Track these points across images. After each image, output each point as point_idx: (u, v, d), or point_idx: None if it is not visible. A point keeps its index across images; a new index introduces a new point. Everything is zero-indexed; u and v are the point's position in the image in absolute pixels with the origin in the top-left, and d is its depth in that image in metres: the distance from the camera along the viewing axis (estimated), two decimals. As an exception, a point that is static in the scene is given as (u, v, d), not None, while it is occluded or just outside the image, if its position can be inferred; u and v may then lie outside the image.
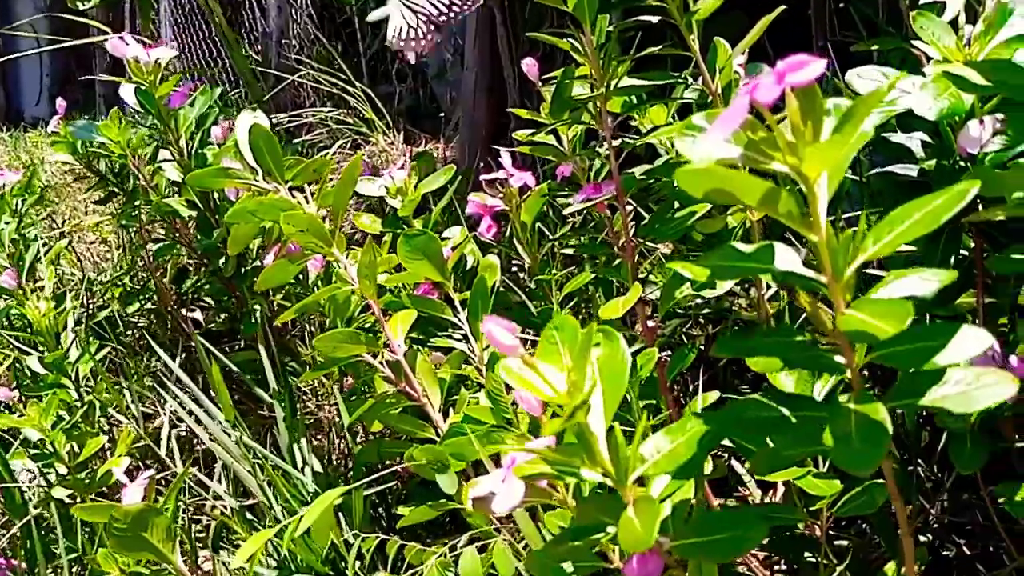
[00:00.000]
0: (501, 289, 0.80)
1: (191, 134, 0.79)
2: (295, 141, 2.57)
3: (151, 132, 0.80)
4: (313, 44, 3.14)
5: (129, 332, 1.37)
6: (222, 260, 0.84)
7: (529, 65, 0.69)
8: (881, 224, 0.25)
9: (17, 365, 0.76)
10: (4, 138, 4.60)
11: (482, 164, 2.14)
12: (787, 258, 0.26)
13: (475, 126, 2.24)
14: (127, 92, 0.73)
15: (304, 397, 1.04)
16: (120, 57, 0.77)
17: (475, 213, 0.76)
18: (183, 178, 0.80)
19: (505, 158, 0.78)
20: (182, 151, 0.80)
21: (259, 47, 4.17)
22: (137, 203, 0.86)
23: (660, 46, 0.53)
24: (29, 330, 0.77)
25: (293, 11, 3.69)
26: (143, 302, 1.26)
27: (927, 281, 0.26)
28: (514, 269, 0.97)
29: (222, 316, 1.23)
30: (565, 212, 0.58)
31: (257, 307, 0.90)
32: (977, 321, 0.51)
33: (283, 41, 3.70)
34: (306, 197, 0.70)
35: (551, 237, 0.80)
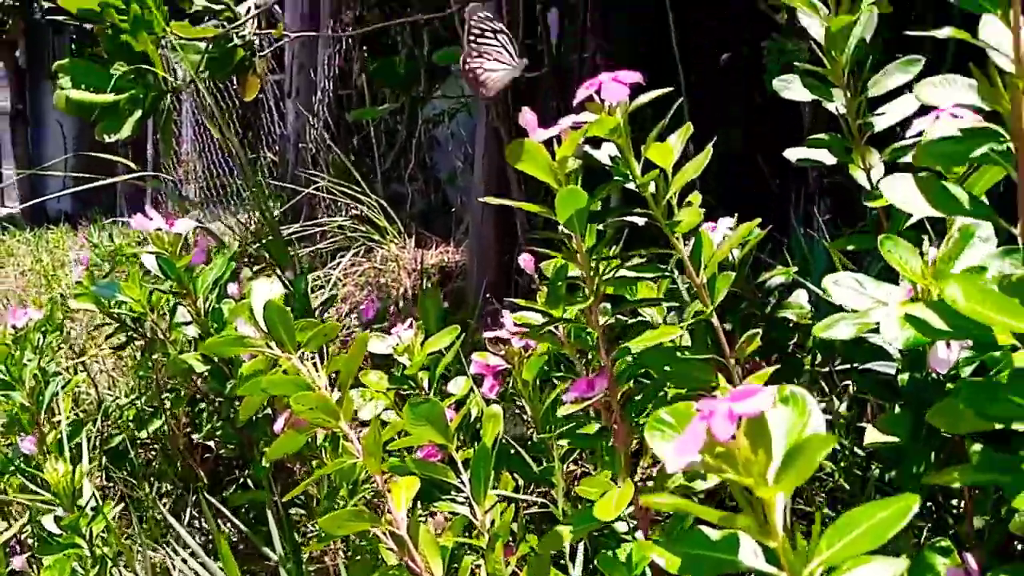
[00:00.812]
0: (503, 441, 0.82)
1: (208, 293, 0.83)
2: (309, 249, 2.63)
3: (170, 290, 0.84)
4: (329, 150, 3.24)
5: (142, 452, 1.39)
6: (233, 410, 0.88)
7: (526, 261, 0.72)
8: (831, 531, 0.27)
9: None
10: (28, 237, 4.72)
11: (492, 282, 2.18)
12: (749, 551, 0.28)
13: (483, 238, 2.29)
14: (148, 260, 0.78)
15: (309, 536, 1.05)
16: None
17: (478, 373, 0.79)
18: (199, 334, 0.84)
19: (507, 318, 0.81)
20: (199, 311, 0.84)
21: (277, 148, 4.32)
22: (155, 355, 0.91)
23: (647, 248, 0.56)
24: (45, 486, 0.79)
25: (310, 116, 3.82)
26: (157, 426, 1.29)
27: (884, 571, 0.28)
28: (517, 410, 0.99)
29: (233, 444, 1.25)
30: (560, 412, 0.60)
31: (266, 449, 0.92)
32: None
33: (300, 144, 3.83)
34: (315, 364, 0.73)
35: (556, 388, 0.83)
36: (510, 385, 0.81)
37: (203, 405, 0.97)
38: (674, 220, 0.53)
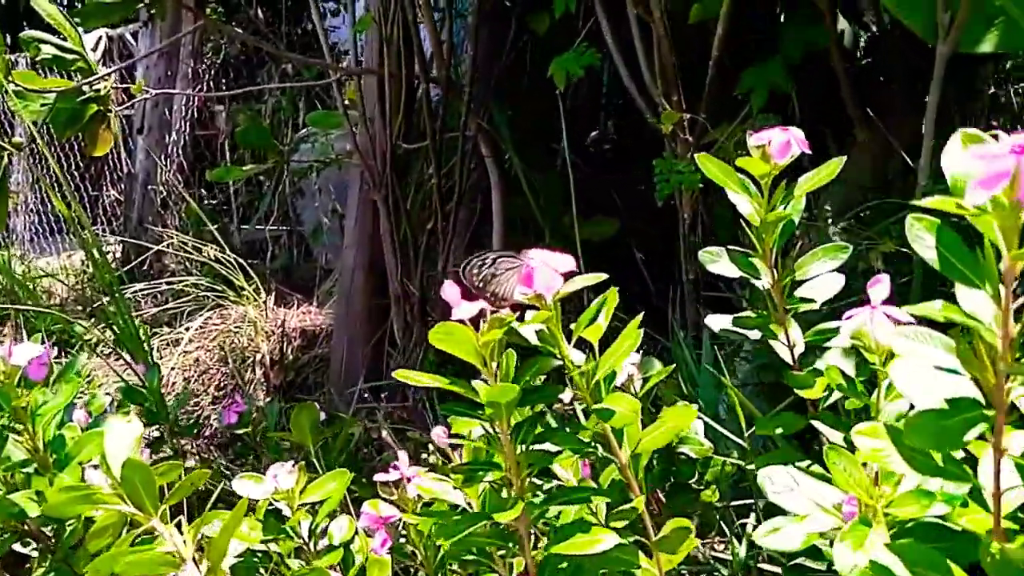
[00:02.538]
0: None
1: (48, 424, 0.72)
2: (156, 310, 2.44)
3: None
4: (181, 200, 3.04)
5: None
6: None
7: (439, 436, 0.67)
8: None
9: None
10: None
11: (361, 354, 2.09)
12: None
13: (352, 301, 2.20)
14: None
15: None
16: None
17: (369, 526, 0.72)
18: (36, 468, 0.72)
19: (402, 457, 0.74)
20: (37, 447, 0.72)
21: (122, 187, 4.01)
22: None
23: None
24: None
25: (162, 157, 3.59)
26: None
27: None
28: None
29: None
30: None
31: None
32: None
33: (149, 186, 3.58)
34: (179, 528, 0.64)
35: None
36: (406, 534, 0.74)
37: (34, 545, 0.84)
38: (604, 409, 0.50)
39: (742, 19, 1.37)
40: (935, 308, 0.32)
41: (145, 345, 1.35)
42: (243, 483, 0.75)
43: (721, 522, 0.90)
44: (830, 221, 1.37)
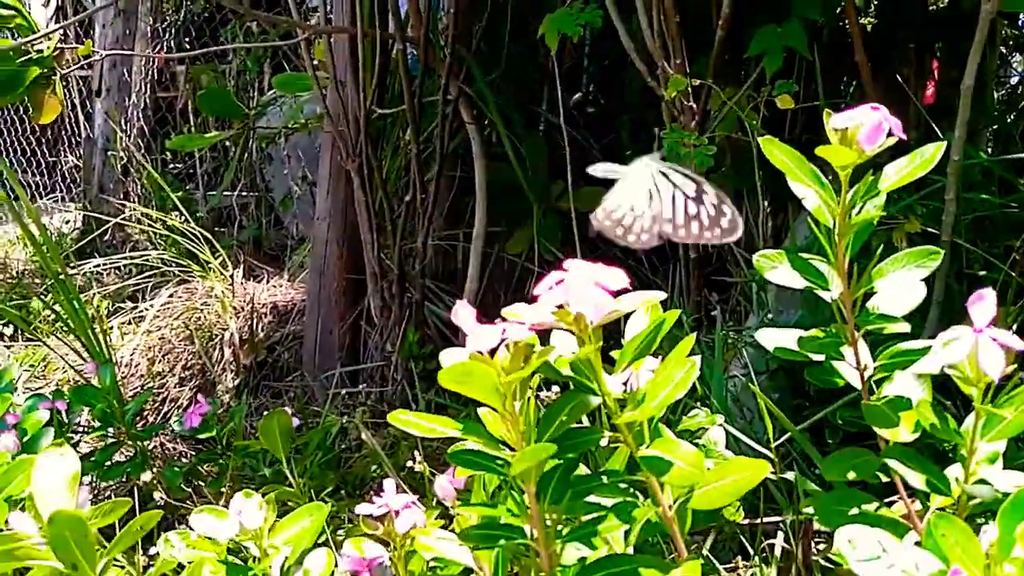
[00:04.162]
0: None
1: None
2: (118, 285, 2.30)
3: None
4: (142, 167, 2.87)
5: None
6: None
7: (443, 489, 0.56)
8: None
9: None
10: None
11: (337, 334, 1.98)
12: None
13: (325, 276, 2.07)
14: None
15: None
16: None
17: (353, 569, 0.62)
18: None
19: (388, 484, 0.64)
20: (-45, 483, 0.61)
21: (80, 152, 3.81)
22: None
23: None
24: None
25: (123, 121, 3.40)
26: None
27: None
28: None
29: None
30: None
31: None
32: None
33: (109, 152, 3.39)
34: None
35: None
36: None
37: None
38: (657, 458, 0.39)
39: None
40: None
41: (100, 333, 1.23)
42: (203, 520, 0.64)
43: (744, 539, 0.81)
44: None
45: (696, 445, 0.76)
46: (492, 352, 0.39)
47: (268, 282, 2.59)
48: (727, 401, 1.10)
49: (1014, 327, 1.00)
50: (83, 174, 3.71)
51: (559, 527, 0.41)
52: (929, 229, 1.04)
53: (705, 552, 0.75)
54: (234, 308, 2.29)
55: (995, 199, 1.02)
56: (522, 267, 1.88)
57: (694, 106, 1.19)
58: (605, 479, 0.43)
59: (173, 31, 3.34)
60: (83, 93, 3.79)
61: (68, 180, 4.10)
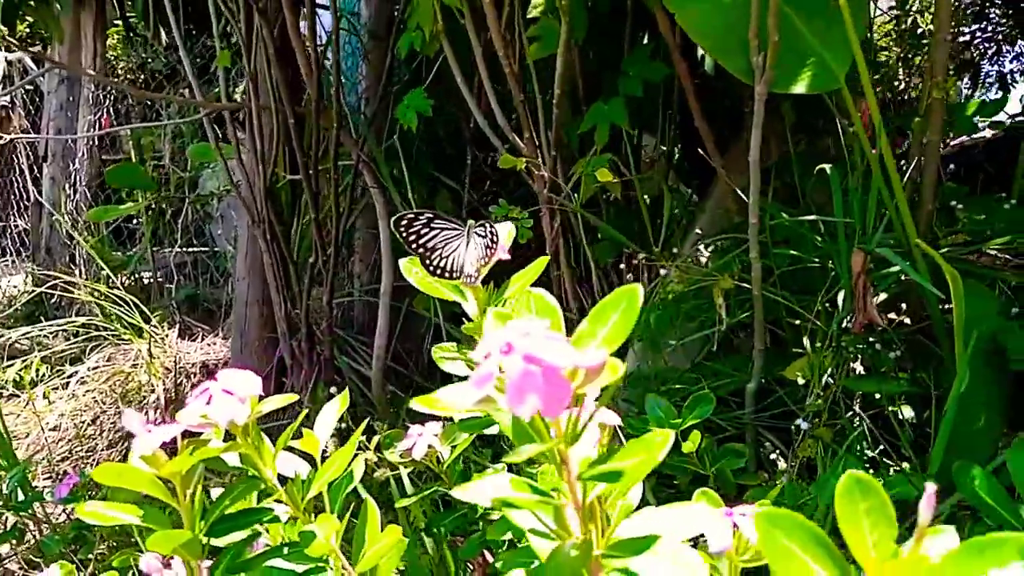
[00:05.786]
0: None
1: None
2: (46, 353, 2.36)
3: None
4: (86, 230, 2.95)
5: None
6: None
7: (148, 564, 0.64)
8: None
9: None
10: None
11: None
12: None
13: (246, 335, 2.16)
14: None
15: None
16: None
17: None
18: None
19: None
20: None
21: (28, 216, 3.89)
22: None
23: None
24: None
25: (67, 185, 3.48)
26: None
27: None
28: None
29: None
30: None
31: None
32: None
33: (54, 216, 3.47)
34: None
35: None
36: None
37: None
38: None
39: (593, 55, 1.36)
40: None
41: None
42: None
43: None
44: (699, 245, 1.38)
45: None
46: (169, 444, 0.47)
47: (202, 340, 2.66)
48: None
49: (826, 375, 1.09)
50: (31, 238, 3.78)
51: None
52: (742, 284, 1.14)
53: None
54: (165, 368, 2.36)
55: (799, 253, 1.13)
56: (429, 321, 1.97)
57: (544, 174, 1.29)
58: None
59: (114, 97, 3.44)
60: (31, 158, 3.88)
61: (17, 244, 4.17)
